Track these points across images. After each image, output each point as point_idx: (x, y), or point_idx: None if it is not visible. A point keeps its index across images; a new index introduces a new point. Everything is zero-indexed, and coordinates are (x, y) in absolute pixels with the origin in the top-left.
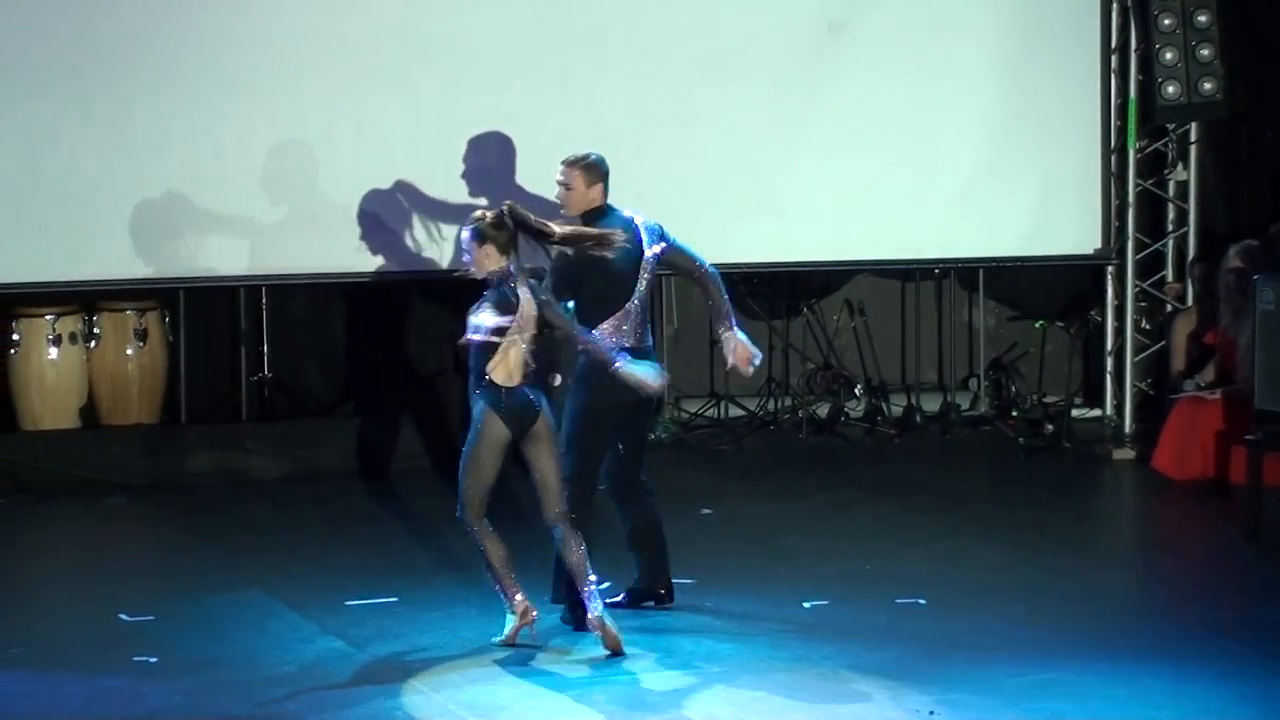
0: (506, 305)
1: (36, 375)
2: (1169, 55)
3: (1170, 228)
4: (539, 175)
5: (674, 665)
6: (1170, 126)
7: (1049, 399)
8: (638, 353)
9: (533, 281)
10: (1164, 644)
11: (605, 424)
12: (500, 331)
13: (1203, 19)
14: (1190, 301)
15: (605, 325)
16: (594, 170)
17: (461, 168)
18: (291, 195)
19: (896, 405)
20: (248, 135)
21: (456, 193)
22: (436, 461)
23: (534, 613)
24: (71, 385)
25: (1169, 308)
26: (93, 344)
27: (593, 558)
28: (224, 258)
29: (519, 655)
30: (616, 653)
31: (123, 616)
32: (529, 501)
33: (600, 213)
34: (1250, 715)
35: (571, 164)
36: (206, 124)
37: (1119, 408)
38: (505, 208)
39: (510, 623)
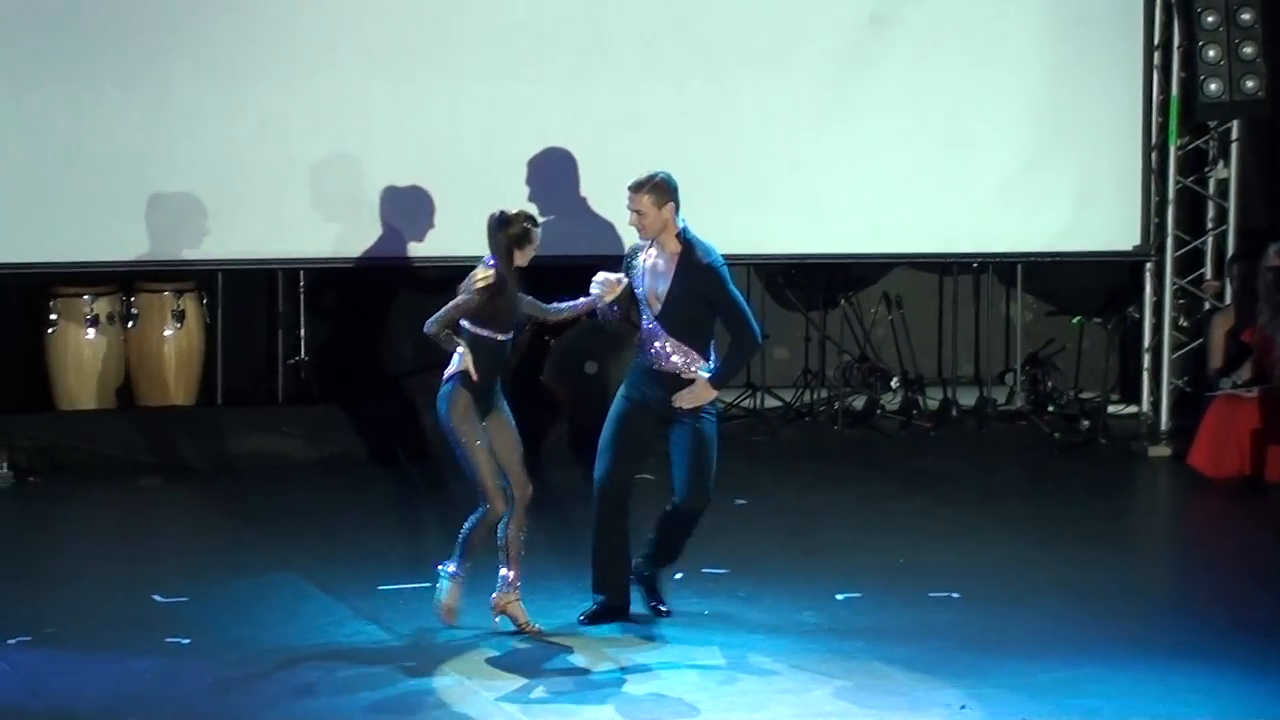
0: None
1: (74, 355)
2: (1212, 53)
3: (1210, 225)
4: (578, 166)
5: (706, 656)
6: (1212, 124)
7: (1085, 395)
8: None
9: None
10: (1196, 642)
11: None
12: None
13: (1246, 17)
14: (1228, 299)
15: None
16: (662, 190)
17: (500, 158)
18: (330, 179)
19: (932, 399)
20: (287, 118)
21: (495, 181)
22: None
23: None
24: (108, 366)
25: (1207, 305)
26: (130, 325)
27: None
28: (262, 241)
29: (550, 644)
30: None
31: (156, 597)
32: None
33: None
34: None
35: (637, 189)
36: (246, 106)
37: (1155, 405)
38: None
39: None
